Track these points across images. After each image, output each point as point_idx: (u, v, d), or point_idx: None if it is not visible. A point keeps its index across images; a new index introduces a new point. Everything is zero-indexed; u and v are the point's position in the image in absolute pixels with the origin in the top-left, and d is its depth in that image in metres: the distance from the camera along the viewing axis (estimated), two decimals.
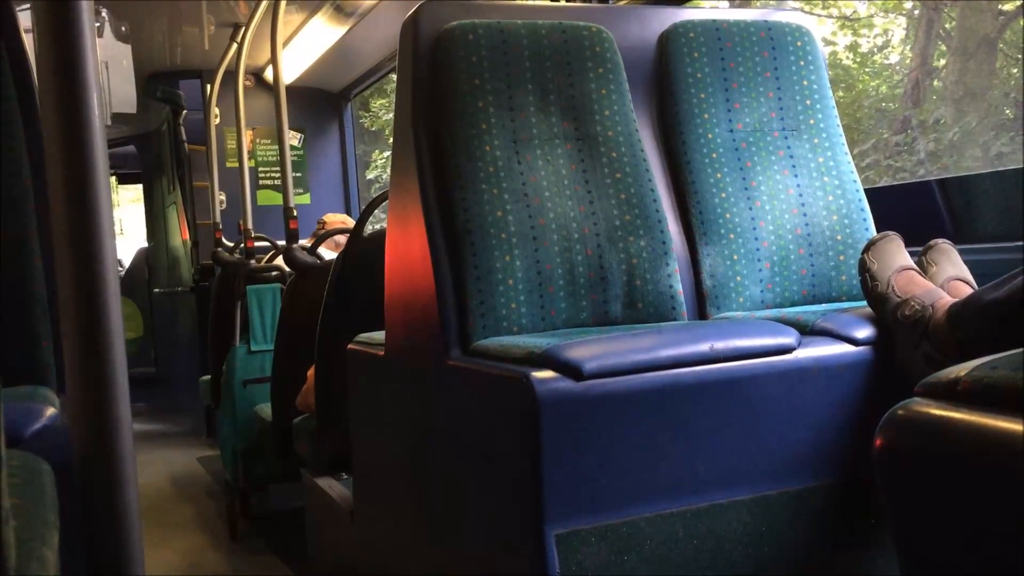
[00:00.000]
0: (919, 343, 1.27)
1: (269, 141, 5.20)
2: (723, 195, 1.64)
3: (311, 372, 2.46)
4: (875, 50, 6.02)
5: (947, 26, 5.28)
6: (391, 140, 1.74)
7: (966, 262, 1.41)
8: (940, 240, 1.43)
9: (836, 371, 1.29)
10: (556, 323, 1.48)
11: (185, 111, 5.22)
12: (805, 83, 1.74)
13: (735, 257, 1.61)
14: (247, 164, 3.88)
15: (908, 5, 5.72)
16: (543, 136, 1.57)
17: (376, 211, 2.54)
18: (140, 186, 7.19)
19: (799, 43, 1.76)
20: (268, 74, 4.92)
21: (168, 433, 5.55)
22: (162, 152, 5.84)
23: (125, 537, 0.71)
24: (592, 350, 1.20)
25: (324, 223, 3.86)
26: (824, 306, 1.55)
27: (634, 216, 1.56)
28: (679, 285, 1.56)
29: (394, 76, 3.11)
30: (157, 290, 6.51)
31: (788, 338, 1.29)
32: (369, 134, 8.50)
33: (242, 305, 3.33)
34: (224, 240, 4.63)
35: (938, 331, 1.24)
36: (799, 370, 1.27)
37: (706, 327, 1.33)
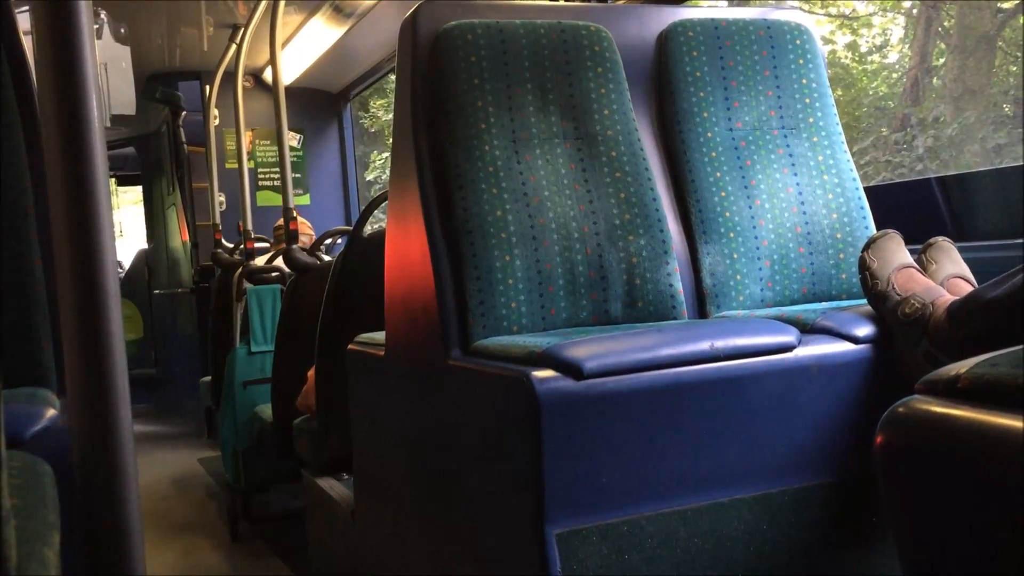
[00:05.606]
0: (919, 341, 1.27)
1: (268, 142, 5.20)
2: (723, 194, 1.64)
3: (311, 373, 2.46)
4: (874, 49, 6.02)
5: (946, 24, 5.28)
6: (390, 141, 1.73)
7: (966, 260, 1.41)
8: (940, 238, 1.43)
9: (836, 369, 1.29)
10: (556, 322, 1.48)
11: (184, 112, 5.22)
12: (804, 81, 1.74)
13: (735, 256, 1.61)
14: (246, 165, 3.87)
15: (907, 4, 5.72)
16: (542, 135, 1.57)
17: (376, 211, 2.54)
18: (140, 188, 7.19)
19: (798, 41, 1.76)
20: (267, 75, 4.92)
21: (168, 434, 5.55)
22: (161, 153, 5.84)
23: (126, 538, 0.71)
24: (592, 349, 1.20)
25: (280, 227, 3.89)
26: (824, 304, 1.55)
27: (634, 215, 1.56)
28: (679, 284, 1.56)
29: (393, 76, 3.11)
30: (157, 291, 6.50)
31: (788, 336, 1.29)
32: (368, 135, 8.50)
33: (242, 306, 3.34)
34: (224, 241, 4.63)
35: (938, 329, 1.24)
36: (799, 368, 1.27)
37: (706, 326, 1.33)
